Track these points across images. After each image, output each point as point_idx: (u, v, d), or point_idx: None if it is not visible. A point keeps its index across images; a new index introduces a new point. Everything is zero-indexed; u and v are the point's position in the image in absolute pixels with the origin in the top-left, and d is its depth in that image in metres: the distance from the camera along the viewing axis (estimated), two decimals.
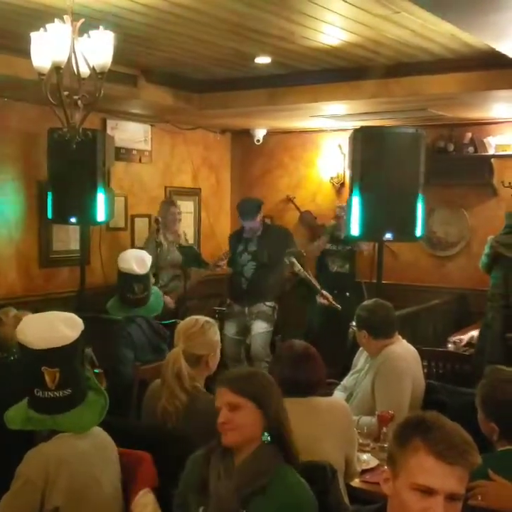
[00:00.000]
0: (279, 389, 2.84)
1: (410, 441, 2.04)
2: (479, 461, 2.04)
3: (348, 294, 7.59)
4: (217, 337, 3.93)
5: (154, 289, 5.36)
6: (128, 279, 5.07)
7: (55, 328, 2.86)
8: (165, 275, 7.21)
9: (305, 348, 3.53)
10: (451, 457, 1.99)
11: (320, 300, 7.36)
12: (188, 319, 3.97)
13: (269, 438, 2.68)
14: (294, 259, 7.23)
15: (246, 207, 7.25)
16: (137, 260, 5.15)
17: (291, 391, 3.35)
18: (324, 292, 7.32)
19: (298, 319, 7.81)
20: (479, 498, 2.64)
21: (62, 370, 2.82)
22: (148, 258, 5.29)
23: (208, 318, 3.95)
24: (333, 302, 7.26)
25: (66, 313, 2.99)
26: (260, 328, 7.00)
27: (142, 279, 5.11)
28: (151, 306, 5.18)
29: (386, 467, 2.15)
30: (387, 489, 2.12)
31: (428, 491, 1.99)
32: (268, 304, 7.07)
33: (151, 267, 6.97)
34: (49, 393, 2.83)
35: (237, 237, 7.35)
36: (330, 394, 4.40)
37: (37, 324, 2.90)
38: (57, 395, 2.83)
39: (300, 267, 7.28)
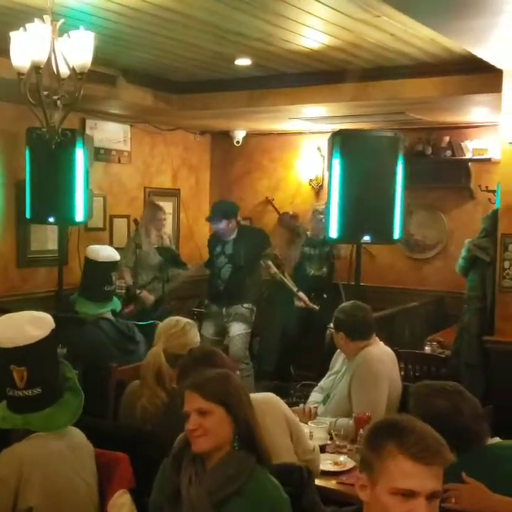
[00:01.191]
0: (247, 391, 2.80)
1: (385, 446, 2.04)
2: (452, 458, 2.06)
3: (325, 295, 7.61)
4: (198, 338, 3.95)
5: None
6: (106, 269, 4.91)
7: (21, 327, 2.86)
8: (145, 275, 7.20)
9: (204, 351, 3.53)
10: (427, 458, 2.00)
11: (297, 302, 7.38)
12: (169, 319, 3.99)
13: (239, 444, 2.64)
14: (269, 262, 7.24)
15: (213, 210, 7.27)
16: (110, 249, 5.11)
17: None
18: (301, 294, 7.34)
19: (275, 321, 7.83)
20: (453, 501, 2.65)
21: (30, 369, 2.82)
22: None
23: (189, 320, 3.97)
24: (310, 304, 7.28)
25: (37, 312, 2.99)
26: (238, 329, 7.00)
27: (117, 267, 5.09)
28: (116, 301, 5.06)
29: (361, 474, 2.14)
30: (364, 496, 2.11)
31: (410, 494, 2.00)
32: (246, 305, 7.07)
33: (131, 267, 7.01)
34: (18, 392, 2.83)
35: (215, 239, 7.35)
36: (299, 391, 4.43)
37: (6, 324, 2.91)
38: (27, 393, 2.83)
39: (276, 269, 7.30)
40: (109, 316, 4.92)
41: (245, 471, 2.60)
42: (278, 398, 3.51)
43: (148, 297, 7.10)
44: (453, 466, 2.09)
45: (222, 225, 7.06)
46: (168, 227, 8.24)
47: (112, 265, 5.00)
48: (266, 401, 3.36)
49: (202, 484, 2.58)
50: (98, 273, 5.02)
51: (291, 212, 8.91)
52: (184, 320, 3.94)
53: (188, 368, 3.26)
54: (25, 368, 2.81)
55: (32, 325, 2.88)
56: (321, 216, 7.18)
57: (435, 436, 2.06)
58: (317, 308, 7.24)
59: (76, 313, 5.09)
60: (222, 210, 7.18)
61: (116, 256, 5.02)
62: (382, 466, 2.04)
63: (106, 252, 5.01)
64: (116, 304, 5.03)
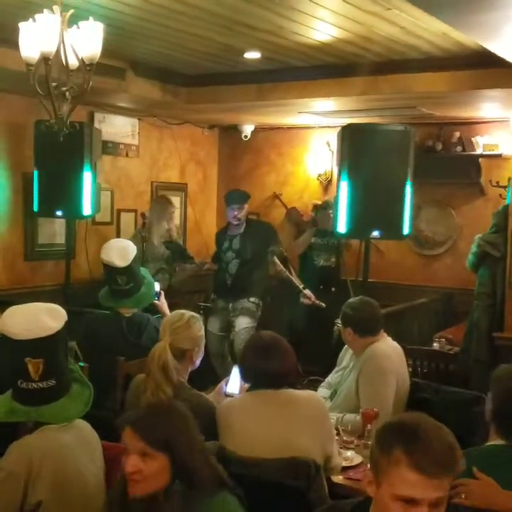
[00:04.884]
0: (193, 420, 2.58)
1: (393, 450, 2.01)
2: (463, 468, 2.03)
3: (333, 289, 7.58)
4: (202, 332, 3.93)
5: (147, 278, 5.03)
6: (110, 270, 4.81)
7: (38, 318, 2.84)
8: (152, 267, 7.18)
9: (272, 338, 3.52)
10: (434, 472, 1.97)
11: (303, 300, 7.33)
12: (173, 313, 3.97)
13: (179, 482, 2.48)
14: (275, 259, 7.21)
15: (235, 193, 7.28)
16: (119, 252, 4.85)
17: (261, 382, 3.37)
18: (307, 292, 7.28)
19: (281, 317, 7.79)
20: (463, 497, 2.63)
21: (46, 361, 2.80)
22: (132, 249, 4.94)
23: (193, 313, 3.94)
24: (316, 301, 7.22)
25: (49, 304, 2.97)
26: (244, 323, 6.99)
27: (125, 271, 4.80)
28: (141, 298, 4.90)
29: (369, 471, 2.12)
30: (371, 492, 2.10)
31: (412, 501, 1.98)
32: (252, 300, 7.06)
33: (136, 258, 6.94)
34: (32, 384, 2.81)
35: (222, 235, 7.35)
36: (306, 387, 4.41)
37: (20, 315, 2.87)
38: (41, 386, 2.81)
39: (281, 266, 7.26)
40: (124, 311, 4.83)
41: (193, 503, 2.47)
42: (322, 402, 3.53)
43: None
44: None
45: (244, 209, 7.09)
46: (176, 221, 8.18)
47: (112, 269, 4.79)
48: (312, 406, 3.38)
49: None
50: (104, 270, 4.94)
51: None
52: (188, 313, 3.92)
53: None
54: (42, 360, 2.79)
55: (48, 316, 2.86)
56: (329, 211, 7.17)
57: (448, 445, 2.02)
58: (324, 306, 7.18)
59: (91, 306, 5.05)
60: (244, 194, 7.24)
61: (117, 262, 4.77)
62: (388, 470, 2.02)
63: (106, 255, 4.82)
64: (136, 302, 4.87)
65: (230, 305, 7.10)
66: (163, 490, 2.46)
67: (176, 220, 8.60)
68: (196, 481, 2.47)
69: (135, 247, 4.99)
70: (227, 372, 4.14)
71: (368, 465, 2.13)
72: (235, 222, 7.10)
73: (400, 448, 2.00)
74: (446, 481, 2.00)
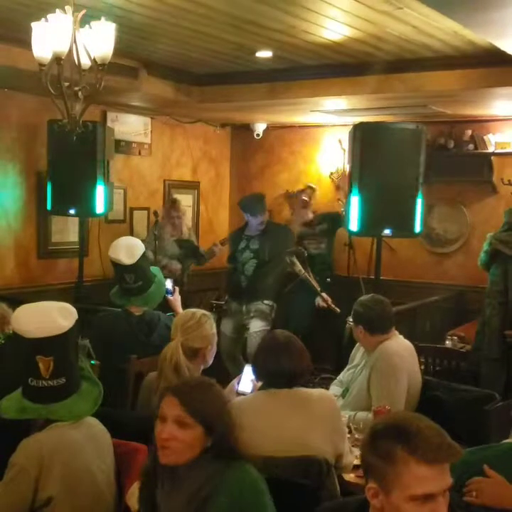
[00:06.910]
0: (229, 403, 2.73)
1: (394, 452, 2.00)
2: (461, 452, 2.04)
3: (328, 279, 7.51)
4: (214, 330, 3.93)
5: (158, 277, 4.96)
6: (118, 268, 4.76)
7: (49, 317, 2.86)
8: (165, 260, 7.23)
9: (287, 338, 3.49)
10: (440, 459, 1.98)
11: (319, 302, 7.29)
12: (185, 312, 3.97)
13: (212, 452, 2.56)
14: (294, 259, 7.18)
15: (253, 202, 7.22)
16: (127, 249, 4.78)
17: (275, 382, 3.37)
18: (324, 295, 7.25)
19: (293, 313, 7.76)
20: (474, 495, 2.64)
21: (57, 359, 2.82)
22: (139, 247, 4.86)
23: (204, 311, 3.95)
24: (332, 305, 7.19)
25: (60, 302, 2.99)
26: (257, 326, 6.97)
27: (132, 269, 4.73)
28: (150, 297, 4.82)
29: (370, 483, 2.08)
30: (377, 503, 2.06)
31: (428, 498, 1.98)
32: (266, 302, 7.04)
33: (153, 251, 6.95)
34: (43, 382, 2.83)
35: (239, 234, 7.33)
36: (318, 386, 4.42)
37: (31, 313, 2.90)
38: (52, 384, 2.84)
39: (301, 267, 7.23)
40: (134, 310, 4.77)
41: (219, 470, 2.54)
42: (334, 400, 3.52)
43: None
44: None
45: (264, 217, 7.09)
46: (187, 221, 8.15)
47: (119, 266, 4.74)
48: (324, 404, 3.37)
49: (179, 492, 2.53)
50: (113, 269, 4.94)
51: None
52: (200, 312, 3.92)
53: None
54: (52, 358, 2.81)
55: (60, 315, 2.88)
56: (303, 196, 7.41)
57: (440, 432, 2.03)
58: (338, 310, 7.13)
59: (103, 304, 5.05)
60: (262, 200, 7.23)
61: (123, 259, 4.70)
62: (396, 476, 2.00)
63: (113, 252, 4.77)
64: (144, 300, 4.79)
65: (244, 307, 7.08)
66: (192, 460, 2.52)
67: (189, 218, 8.62)
68: (231, 456, 2.56)
69: (143, 245, 4.93)
70: (240, 373, 4.14)
71: (369, 482, 2.10)
72: (261, 228, 7.10)
73: (402, 447, 1.99)
74: (448, 465, 2.01)
